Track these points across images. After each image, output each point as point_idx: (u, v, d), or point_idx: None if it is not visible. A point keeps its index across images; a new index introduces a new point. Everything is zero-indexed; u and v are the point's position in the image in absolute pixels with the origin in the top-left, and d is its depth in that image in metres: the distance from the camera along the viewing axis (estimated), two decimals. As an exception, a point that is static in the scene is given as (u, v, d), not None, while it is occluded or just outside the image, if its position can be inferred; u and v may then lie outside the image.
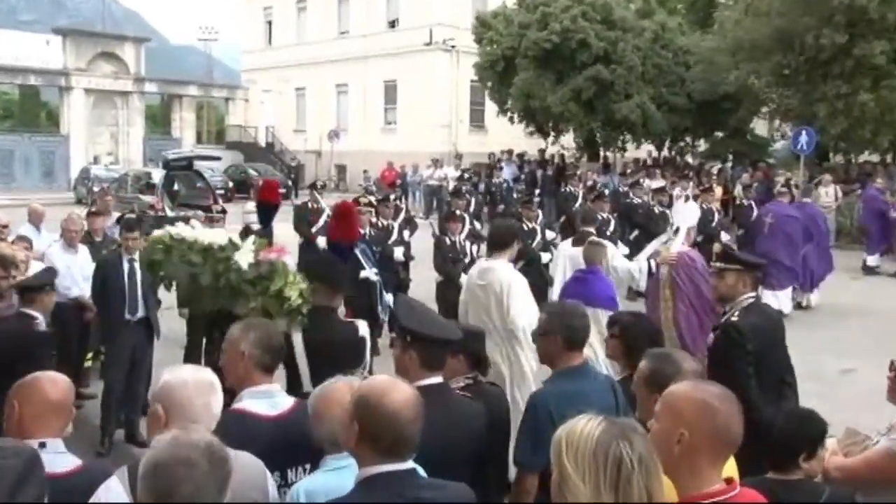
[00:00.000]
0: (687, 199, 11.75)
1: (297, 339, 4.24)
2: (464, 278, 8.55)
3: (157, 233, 4.84)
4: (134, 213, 10.37)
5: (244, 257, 4.47)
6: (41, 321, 5.32)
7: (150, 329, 6.94)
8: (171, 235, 4.68)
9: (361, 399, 2.34)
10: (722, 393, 2.24)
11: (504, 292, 5.44)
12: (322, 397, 2.78)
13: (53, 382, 2.78)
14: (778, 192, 14.40)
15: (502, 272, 5.61)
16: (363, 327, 4.43)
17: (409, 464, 2.35)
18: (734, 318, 4.35)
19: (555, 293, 7.27)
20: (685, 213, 8.31)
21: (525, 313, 5.30)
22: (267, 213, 6.73)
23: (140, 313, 6.81)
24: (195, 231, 4.73)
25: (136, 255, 6.65)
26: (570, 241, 8.13)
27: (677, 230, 7.66)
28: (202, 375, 2.61)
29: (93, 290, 7.04)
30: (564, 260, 7.72)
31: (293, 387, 4.03)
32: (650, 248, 7.72)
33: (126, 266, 6.79)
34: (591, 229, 7.95)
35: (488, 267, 5.73)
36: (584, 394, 3.33)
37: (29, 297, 5.37)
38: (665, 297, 6.74)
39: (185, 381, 2.56)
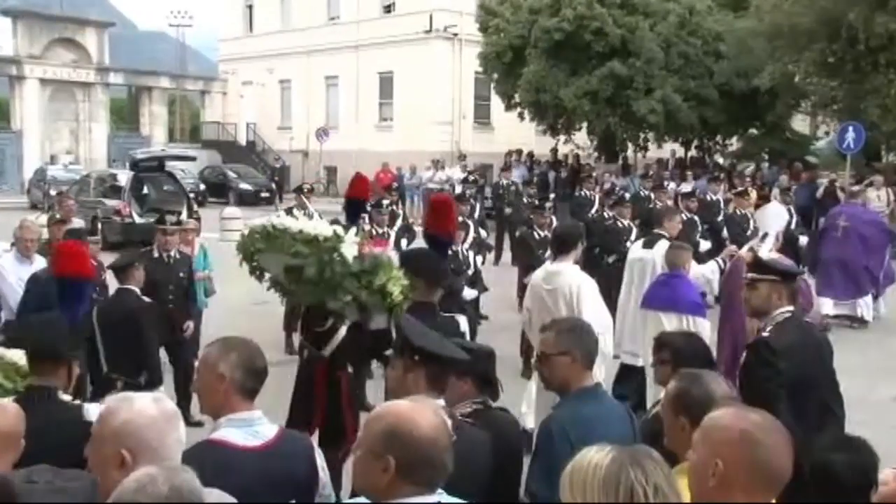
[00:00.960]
0: (770, 200, 12.01)
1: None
2: (468, 292, 8.61)
3: (256, 221, 5.30)
4: (97, 219, 10.39)
5: (349, 250, 4.83)
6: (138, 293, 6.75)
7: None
8: (273, 225, 5.09)
9: (394, 430, 2.31)
10: (765, 422, 2.24)
11: (574, 296, 5.90)
12: None
13: (1, 411, 2.78)
14: (850, 194, 14.66)
15: (571, 275, 6.05)
16: (464, 322, 4.94)
17: (438, 494, 2.36)
18: (765, 335, 4.34)
19: (621, 299, 7.57)
20: (771, 217, 8.59)
21: (597, 316, 5.63)
22: (356, 209, 7.11)
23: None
24: (299, 221, 5.14)
25: None
26: (640, 242, 8.49)
27: (765, 236, 7.95)
28: (165, 406, 2.55)
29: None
30: (634, 264, 8.05)
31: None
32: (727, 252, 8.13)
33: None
34: (664, 231, 8.25)
35: (555, 270, 6.17)
36: (603, 418, 3.36)
37: (122, 276, 6.72)
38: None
39: (152, 417, 2.47)
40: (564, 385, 3.58)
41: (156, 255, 8.31)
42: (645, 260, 7.85)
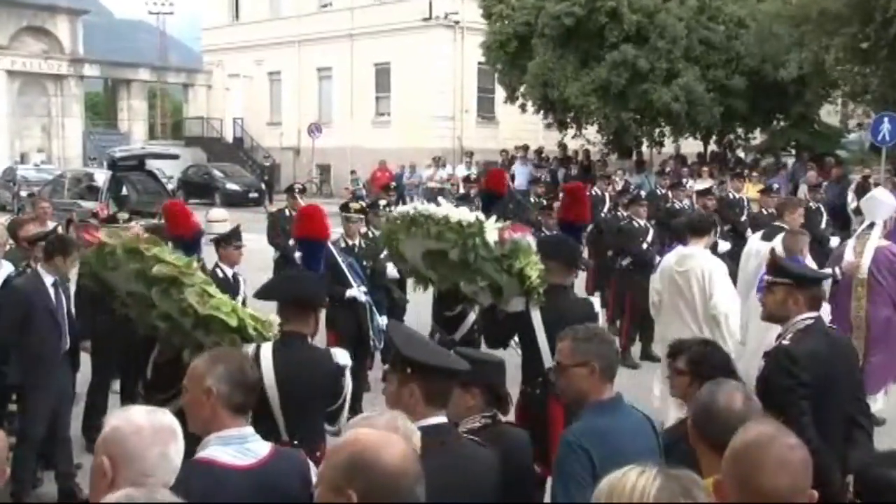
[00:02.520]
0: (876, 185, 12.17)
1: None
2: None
3: (400, 208, 5.91)
4: (72, 222, 10.39)
5: (491, 235, 5.31)
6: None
7: (75, 361, 7.05)
8: (417, 211, 5.65)
9: (353, 460, 2.26)
10: (760, 437, 2.32)
11: (706, 278, 6.68)
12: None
13: None
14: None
15: (703, 259, 6.90)
16: (597, 303, 5.62)
17: None
18: (786, 342, 4.37)
19: (739, 292, 7.88)
20: (879, 204, 8.75)
21: (726, 299, 6.55)
22: (491, 202, 7.49)
23: (67, 345, 6.91)
24: (443, 207, 5.64)
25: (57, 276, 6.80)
26: (759, 234, 9.08)
27: (871, 224, 8.29)
28: (159, 419, 2.59)
29: (7, 321, 6.79)
30: (751, 256, 8.64)
31: None
32: (835, 249, 8.75)
33: (52, 291, 6.80)
34: (784, 223, 8.77)
35: (688, 254, 7.02)
36: (623, 431, 3.39)
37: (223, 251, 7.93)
38: (858, 295, 7.76)
39: (139, 427, 2.53)
40: (581, 397, 3.59)
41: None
42: (762, 251, 8.21)
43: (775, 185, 15.64)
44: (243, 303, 7.42)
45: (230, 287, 7.58)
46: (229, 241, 8.03)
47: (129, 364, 8.06)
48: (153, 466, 2.48)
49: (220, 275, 7.75)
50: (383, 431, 2.44)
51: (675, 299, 7.04)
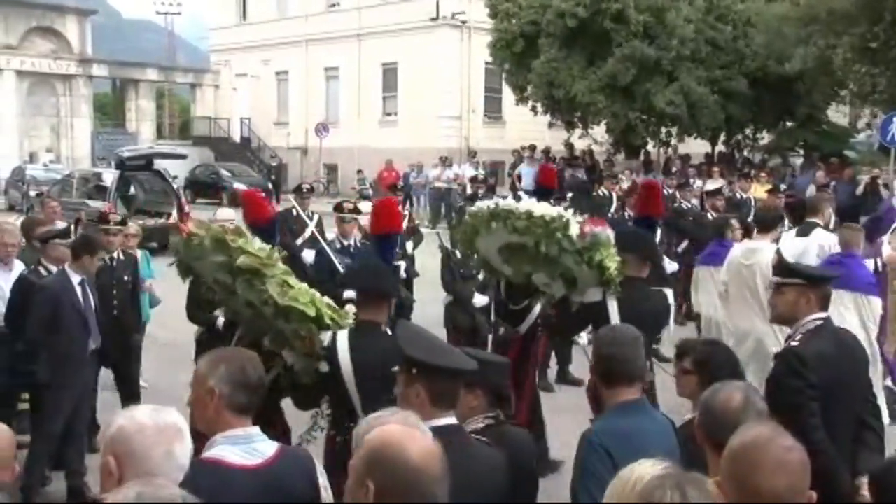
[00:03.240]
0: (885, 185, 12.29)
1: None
2: (479, 298, 8.60)
3: (479, 204, 6.21)
4: (80, 221, 10.40)
5: (573, 229, 5.61)
6: None
7: (98, 363, 7.08)
8: (499, 206, 5.94)
9: (376, 455, 2.32)
10: (756, 438, 2.34)
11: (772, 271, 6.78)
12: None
13: None
14: None
15: (770, 252, 7.13)
16: (671, 295, 5.91)
17: None
18: (795, 343, 4.35)
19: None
20: None
21: None
22: (543, 198, 7.60)
23: (99, 343, 6.95)
24: (524, 203, 5.93)
25: (85, 275, 6.86)
26: (793, 231, 9.26)
27: None
28: (163, 418, 2.60)
29: (9, 316, 6.97)
30: (787, 252, 8.69)
31: None
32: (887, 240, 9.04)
33: (79, 290, 6.83)
34: (818, 220, 8.96)
35: (755, 247, 7.36)
36: (643, 432, 3.40)
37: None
38: (893, 288, 8.17)
39: (143, 425, 2.55)
40: (603, 396, 3.67)
41: None
42: (798, 248, 8.46)
43: (782, 186, 15.60)
44: None
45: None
46: None
47: (126, 363, 8.13)
48: (158, 465, 2.49)
49: None
50: (410, 428, 2.46)
51: (742, 291, 7.36)
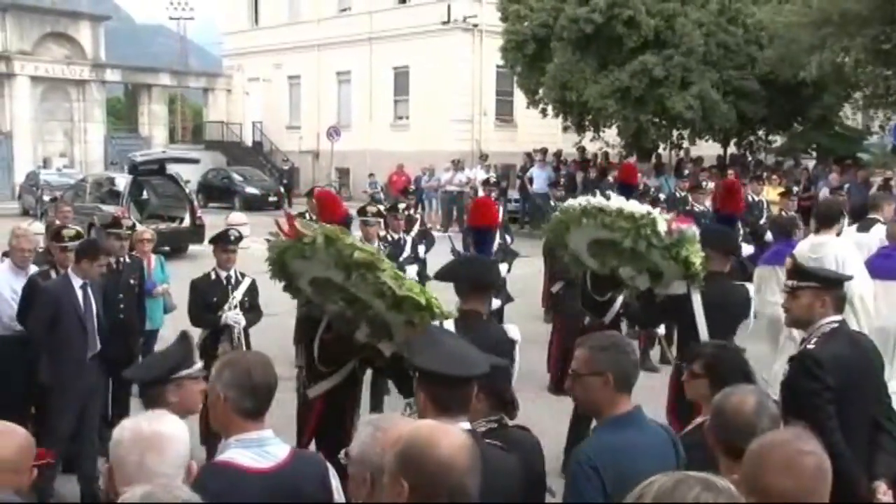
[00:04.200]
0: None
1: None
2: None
3: (571, 201, 6.47)
4: (94, 226, 10.45)
5: (661, 225, 5.89)
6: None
7: (103, 366, 7.04)
8: (590, 203, 6.18)
9: (406, 451, 2.35)
10: (770, 439, 2.36)
11: (840, 265, 6.96)
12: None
13: (9, 435, 2.86)
14: None
15: (836, 246, 7.39)
16: (752, 290, 6.24)
17: None
18: (811, 346, 4.33)
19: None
20: None
21: (859, 281, 6.80)
22: (626, 195, 7.90)
23: (97, 348, 6.95)
24: (614, 200, 6.16)
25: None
26: (854, 227, 9.37)
27: None
28: (143, 428, 2.67)
29: (20, 319, 7.00)
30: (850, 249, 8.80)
31: None
32: None
33: (80, 294, 6.86)
34: (879, 216, 9.15)
35: (821, 242, 7.50)
36: (637, 447, 3.29)
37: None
38: None
39: (121, 438, 2.66)
40: (596, 408, 3.52)
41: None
42: (861, 243, 8.53)
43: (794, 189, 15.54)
44: (241, 303, 7.62)
45: (222, 289, 7.64)
46: (217, 244, 7.86)
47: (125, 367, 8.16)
48: (130, 475, 2.57)
49: (213, 277, 7.71)
50: (442, 424, 2.49)
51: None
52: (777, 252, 9.33)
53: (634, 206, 6.13)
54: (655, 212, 6.12)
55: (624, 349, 3.53)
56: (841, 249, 7.32)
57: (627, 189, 8.53)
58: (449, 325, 4.97)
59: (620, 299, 7.21)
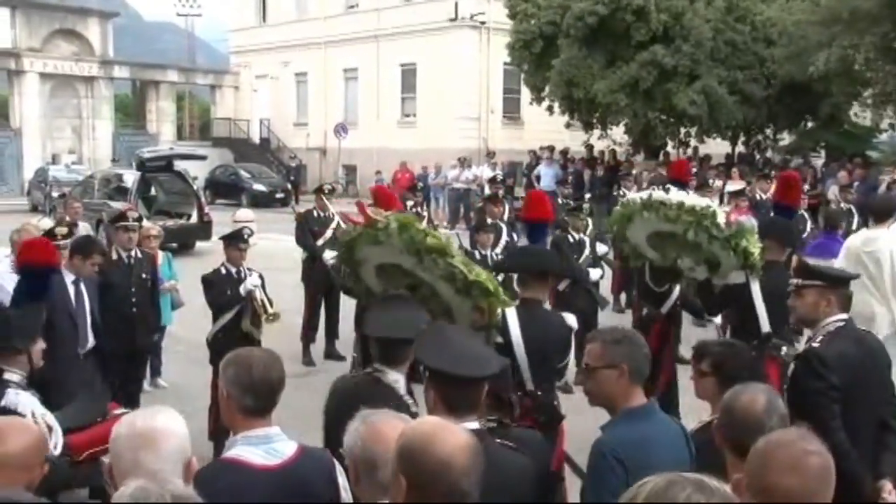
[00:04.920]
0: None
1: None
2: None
3: (631, 195, 6.90)
4: (102, 222, 10.47)
5: (721, 218, 6.24)
6: None
7: (100, 362, 7.07)
8: (651, 197, 6.52)
9: (405, 448, 2.36)
10: (776, 438, 2.35)
11: (893, 258, 7.31)
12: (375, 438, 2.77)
13: (20, 431, 2.89)
14: None
15: (888, 240, 7.57)
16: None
17: None
18: (816, 345, 4.32)
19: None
20: None
21: None
22: (680, 189, 8.30)
23: (90, 344, 6.99)
24: (674, 194, 6.48)
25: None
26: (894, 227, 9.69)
27: None
28: (140, 425, 2.67)
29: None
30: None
31: None
32: None
33: (72, 289, 6.91)
34: None
35: (874, 236, 7.73)
36: (655, 439, 3.34)
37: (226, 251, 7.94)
38: None
39: (118, 434, 2.67)
40: (610, 401, 3.54)
41: (114, 256, 8.15)
42: None
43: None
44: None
45: (233, 282, 7.77)
46: (231, 242, 8.00)
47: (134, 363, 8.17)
48: (126, 471, 2.57)
49: (223, 272, 7.85)
50: (444, 422, 2.49)
51: (862, 278, 7.63)
52: (820, 245, 9.49)
53: (695, 200, 6.47)
54: (714, 204, 6.50)
55: (637, 342, 3.57)
56: (894, 244, 7.51)
57: (680, 186, 8.92)
58: (511, 312, 5.16)
59: (677, 290, 7.62)
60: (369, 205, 5.92)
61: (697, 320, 10.16)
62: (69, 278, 6.90)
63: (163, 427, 2.67)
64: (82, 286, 6.94)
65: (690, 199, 6.44)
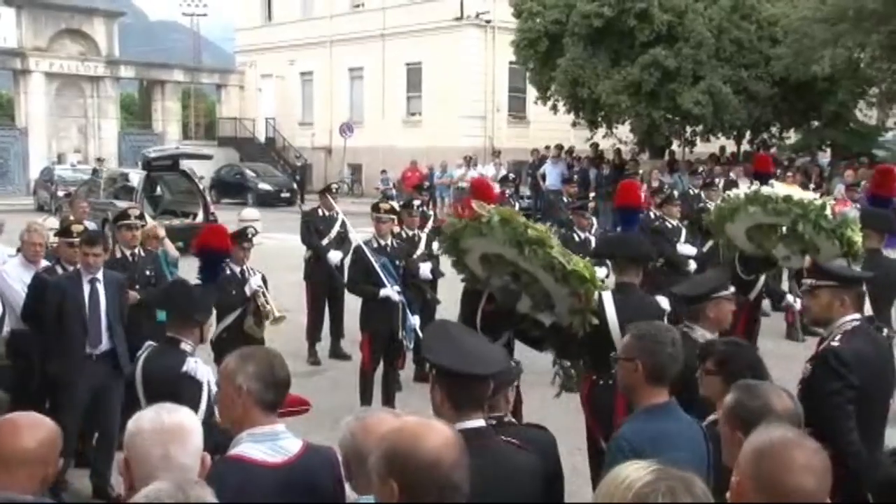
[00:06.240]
0: None
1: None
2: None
3: (734, 191, 7.37)
4: (108, 222, 10.49)
5: (828, 210, 6.71)
6: None
7: (117, 364, 6.95)
8: (757, 192, 7.04)
9: (391, 451, 2.33)
10: (785, 437, 2.30)
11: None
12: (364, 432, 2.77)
13: (32, 427, 2.87)
14: None
15: None
16: None
17: None
18: (835, 343, 4.30)
19: None
20: None
21: None
22: (763, 182, 8.75)
23: (104, 346, 6.90)
24: (778, 188, 7.01)
25: (100, 275, 6.89)
26: None
27: None
28: (164, 419, 2.66)
29: (25, 313, 7.05)
30: None
31: None
32: None
33: (87, 288, 6.88)
34: None
35: None
36: (673, 437, 3.38)
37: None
38: None
39: (141, 429, 2.64)
40: (630, 392, 3.65)
41: (118, 254, 8.18)
42: None
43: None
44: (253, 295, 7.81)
45: (237, 282, 7.83)
46: (234, 241, 7.98)
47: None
48: (155, 467, 2.55)
49: (227, 272, 7.86)
50: (425, 420, 2.47)
51: None
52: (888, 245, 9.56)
53: (801, 194, 7.01)
54: (816, 196, 7.01)
55: (660, 340, 3.61)
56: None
57: (764, 177, 9.35)
58: (607, 296, 5.52)
59: (763, 279, 8.17)
60: (472, 199, 6.13)
61: (777, 305, 10.83)
62: (86, 277, 6.89)
63: (188, 422, 2.69)
64: (99, 286, 6.90)
65: (797, 192, 6.94)
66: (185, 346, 4.81)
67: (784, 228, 7.11)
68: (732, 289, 4.84)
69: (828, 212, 6.68)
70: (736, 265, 7.93)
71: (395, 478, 2.28)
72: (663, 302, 6.05)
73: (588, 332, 5.49)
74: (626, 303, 5.48)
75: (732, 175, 18.92)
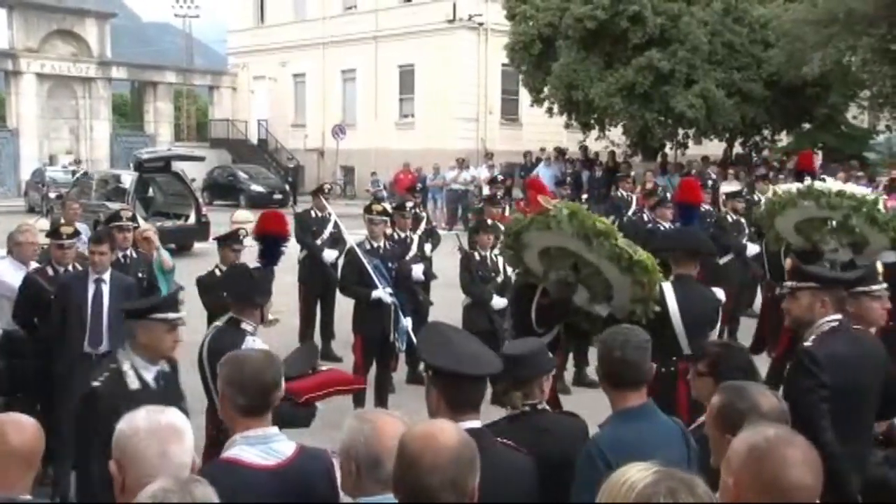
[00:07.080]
0: None
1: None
2: (498, 301, 8.65)
3: (784, 186, 7.77)
4: (100, 223, 10.46)
5: (879, 205, 7.01)
6: None
7: None
8: (807, 187, 7.33)
9: (400, 461, 2.39)
10: (778, 437, 2.29)
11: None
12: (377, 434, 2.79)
13: (19, 427, 2.86)
14: None
15: None
16: None
17: None
18: (808, 344, 4.34)
19: None
20: None
21: None
22: (802, 179, 8.73)
23: (104, 346, 6.85)
24: (830, 183, 7.36)
25: (106, 276, 6.88)
26: None
27: None
28: (158, 419, 2.66)
29: (17, 313, 7.06)
30: None
31: None
32: None
33: (91, 288, 6.86)
34: None
35: None
36: (649, 440, 3.33)
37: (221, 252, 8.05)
38: None
39: (136, 429, 2.62)
40: (608, 396, 3.62)
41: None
42: None
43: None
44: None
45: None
46: (225, 243, 8.01)
47: None
48: (154, 467, 2.54)
49: (218, 274, 7.78)
50: (429, 426, 2.50)
51: None
52: None
53: (854, 188, 7.30)
54: (868, 191, 7.35)
55: (609, 344, 3.58)
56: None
57: (807, 175, 9.53)
58: (668, 286, 5.84)
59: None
60: (535, 195, 6.28)
61: None
62: (92, 276, 6.89)
63: (182, 422, 2.70)
64: (104, 287, 6.89)
65: (849, 187, 7.23)
66: (246, 325, 5.21)
67: (834, 222, 7.35)
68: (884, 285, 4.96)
69: (881, 206, 6.97)
70: (781, 257, 8.12)
71: (399, 489, 2.40)
72: (719, 293, 6.39)
73: (650, 321, 5.62)
74: (685, 293, 5.84)
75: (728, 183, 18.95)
